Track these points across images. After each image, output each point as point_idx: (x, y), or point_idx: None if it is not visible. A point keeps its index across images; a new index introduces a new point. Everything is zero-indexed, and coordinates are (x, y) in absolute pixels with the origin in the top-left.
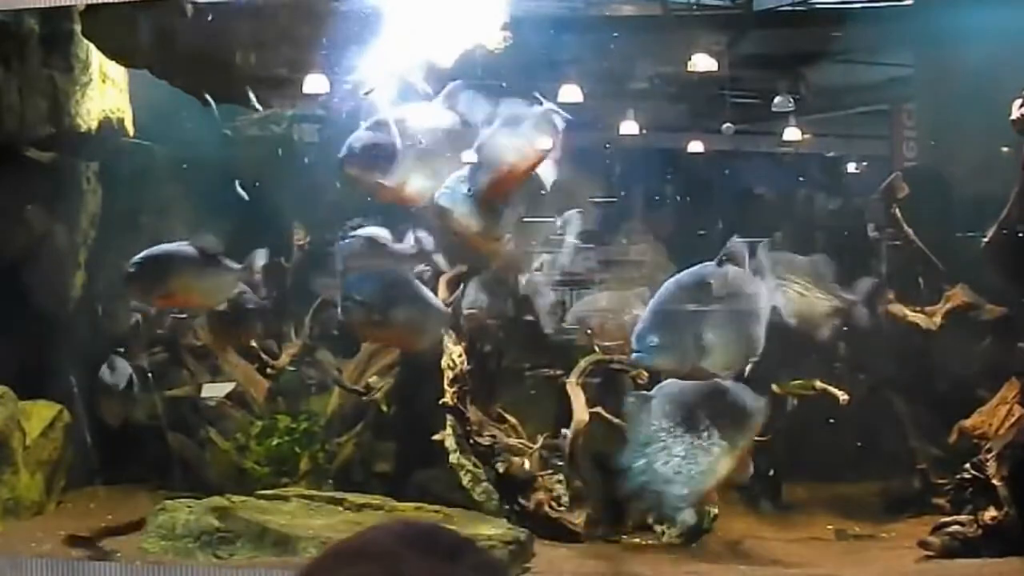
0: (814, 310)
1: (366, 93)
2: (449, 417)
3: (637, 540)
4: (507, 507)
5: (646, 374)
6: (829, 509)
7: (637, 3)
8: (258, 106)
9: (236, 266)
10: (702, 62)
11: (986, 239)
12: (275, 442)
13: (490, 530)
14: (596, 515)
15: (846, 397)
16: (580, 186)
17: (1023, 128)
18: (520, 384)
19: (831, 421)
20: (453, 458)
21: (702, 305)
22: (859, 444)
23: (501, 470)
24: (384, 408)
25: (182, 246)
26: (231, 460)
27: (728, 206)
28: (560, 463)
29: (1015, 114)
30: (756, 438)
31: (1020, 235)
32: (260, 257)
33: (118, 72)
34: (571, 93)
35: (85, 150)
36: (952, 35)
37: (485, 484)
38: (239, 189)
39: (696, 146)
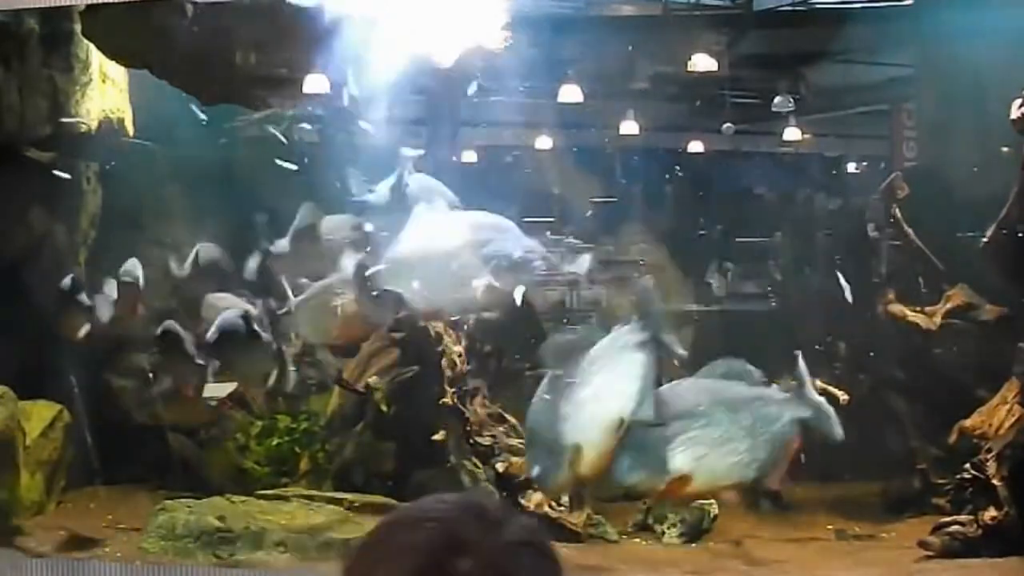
0: None
1: None
2: (449, 417)
3: (637, 540)
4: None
5: None
6: (829, 509)
7: (637, 3)
8: None
9: (86, 303)
10: (702, 62)
11: (985, 239)
12: (275, 442)
13: None
14: None
15: (846, 397)
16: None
17: (1023, 128)
18: (520, 384)
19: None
20: (453, 458)
21: None
22: (859, 444)
23: (501, 470)
24: (384, 408)
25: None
26: (231, 460)
27: (728, 206)
28: None
29: (1014, 114)
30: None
31: (1020, 235)
32: (104, 300)
33: (118, 72)
34: (571, 93)
35: (85, 150)
36: (952, 35)
37: (485, 484)
38: (282, 163)
39: (696, 146)
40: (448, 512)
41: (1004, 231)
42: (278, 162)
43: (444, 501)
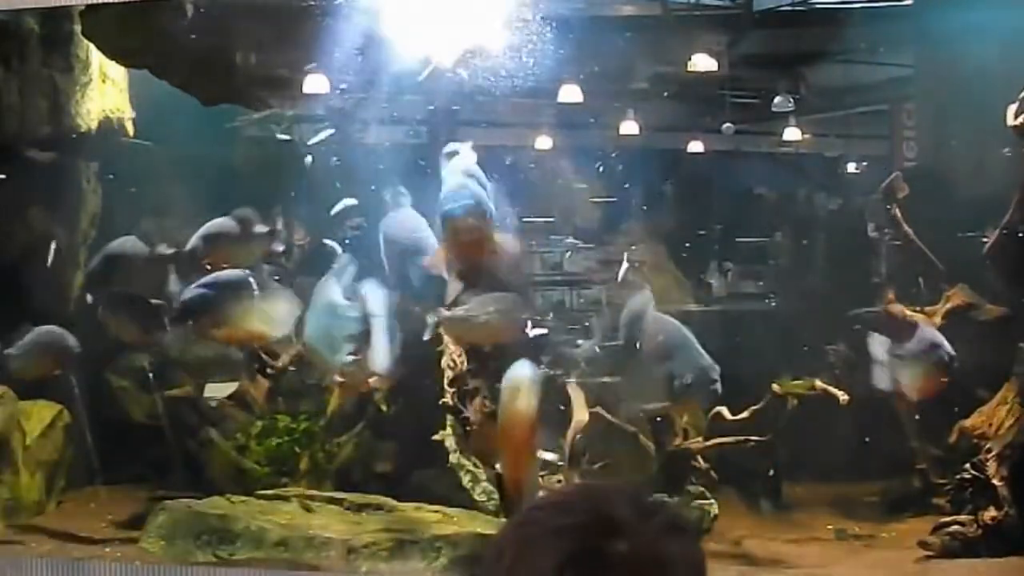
0: None
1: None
2: (449, 417)
3: None
4: (507, 507)
5: None
6: (829, 509)
7: (637, 3)
8: None
9: None
10: (702, 62)
11: (988, 242)
12: (275, 442)
13: (490, 530)
14: None
15: (846, 397)
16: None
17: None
18: None
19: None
20: (453, 458)
21: None
22: (859, 444)
23: (501, 470)
24: (384, 408)
25: None
26: (231, 460)
27: (728, 206)
28: (560, 463)
29: (1012, 121)
30: (756, 438)
31: (1021, 236)
32: None
33: (118, 72)
34: (571, 93)
35: (85, 150)
36: (952, 35)
37: (485, 484)
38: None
39: (696, 146)
40: (599, 496)
41: (1005, 232)
42: None
43: (591, 487)
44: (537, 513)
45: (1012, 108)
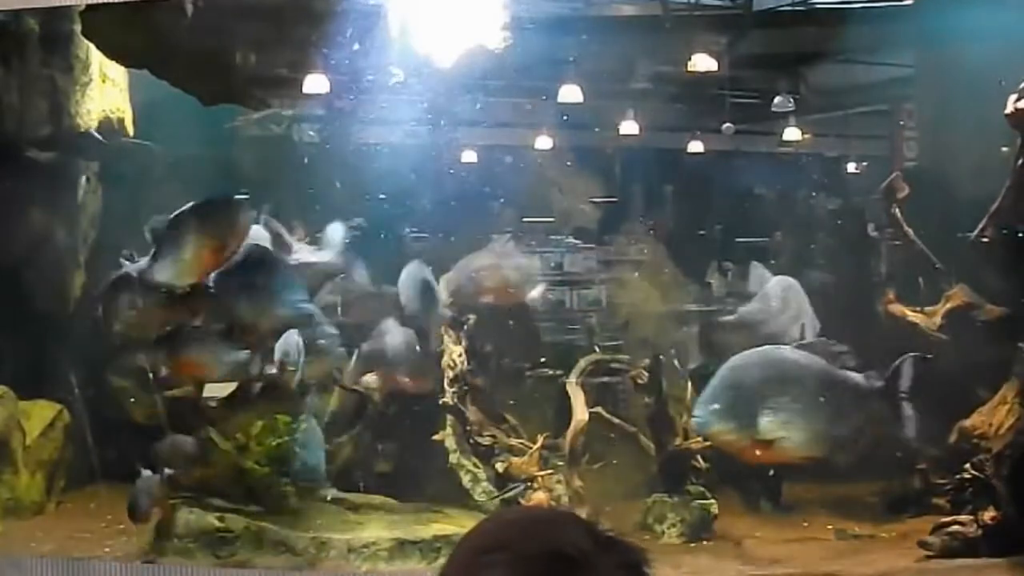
0: None
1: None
2: (449, 417)
3: (637, 540)
4: (507, 507)
5: (646, 374)
6: (829, 509)
7: (637, 3)
8: None
9: None
10: (702, 62)
11: (982, 235)
12: (275, 442)
13: None
14: None
15: None
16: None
17: (1018, 123)
18: (520, 384)
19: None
20: (453, 458)
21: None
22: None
23: (501, 470)
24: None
25: None
26: (231, 460)
27: (728, 206)
28: (560, 463)
29: (1010, 108)
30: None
31: (1018, 234)
32: None
33: (118, 72)
34: (571, 93)
35: (85, 150)
36: (952, 35)
37: (485, 484)
38: None
39: (696, 146)
40: (554, 531)
41: (1004, 230)
42: None
43: (542, 520)
44: (495, 556)
45: (1012, 98)
